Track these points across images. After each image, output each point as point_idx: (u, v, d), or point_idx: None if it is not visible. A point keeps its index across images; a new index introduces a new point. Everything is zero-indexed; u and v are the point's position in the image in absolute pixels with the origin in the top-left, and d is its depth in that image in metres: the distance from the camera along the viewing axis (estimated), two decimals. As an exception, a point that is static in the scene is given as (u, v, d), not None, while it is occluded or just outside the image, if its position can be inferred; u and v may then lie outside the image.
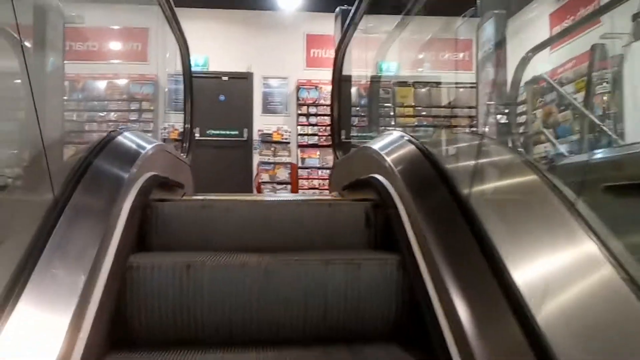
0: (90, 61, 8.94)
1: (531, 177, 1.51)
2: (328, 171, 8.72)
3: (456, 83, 8.84)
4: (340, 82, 3.66)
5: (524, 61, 4.44)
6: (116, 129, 2.06)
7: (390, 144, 2.15)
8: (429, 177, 1.77)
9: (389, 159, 2.01)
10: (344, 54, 3.60)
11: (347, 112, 4.62)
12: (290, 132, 8.73)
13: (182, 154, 3.48)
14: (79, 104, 8.83)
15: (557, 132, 7.16)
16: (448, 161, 1.90)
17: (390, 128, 9.05)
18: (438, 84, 9.27)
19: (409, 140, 2.06)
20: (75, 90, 8.82)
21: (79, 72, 8.81)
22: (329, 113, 9.06)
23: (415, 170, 1.90)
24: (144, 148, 2.06)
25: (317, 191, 8.66)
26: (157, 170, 2.11)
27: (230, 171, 8.91)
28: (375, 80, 8.21)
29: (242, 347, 1.43)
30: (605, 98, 6.31)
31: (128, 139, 2.04)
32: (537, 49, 4.63)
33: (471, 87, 9.35)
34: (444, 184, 1.67)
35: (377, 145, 2.21)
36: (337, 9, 4.86)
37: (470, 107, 9.18)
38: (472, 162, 2.07)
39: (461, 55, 9.53)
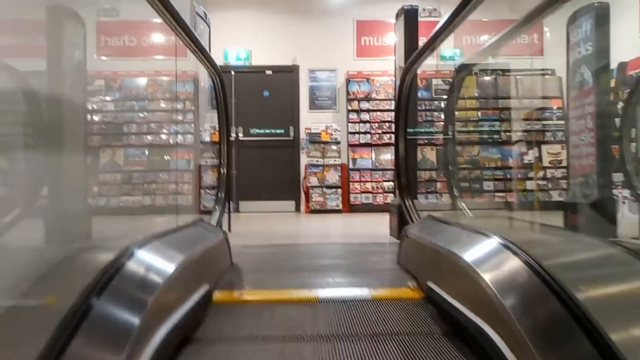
0: (126, 57, 8.43)
1: None
2: (382, 173, 7.96)
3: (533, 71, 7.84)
4: (407, 112, 2.90)
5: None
6: (128, 246, 1.48)
7: (488, 257, 1.47)
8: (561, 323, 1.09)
9: (490, 284, 1.32)
10: (411, 81, 2.82)
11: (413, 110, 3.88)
12: (339, 130, 7.99)
13: (212, 223, 2.76)
14: (116, 103, 8.35)
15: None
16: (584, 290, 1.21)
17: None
18: (505, 71, 8.28)
19: (515, 253, 1.37)
20: (111, 89, 8.34)
21: (116, 70, 8.32)
22: (383, 108, 8.29)
23: (536, 312, 1.22)
24: (163, 274, 1.45)
25: (371, 196, 7.92)
26: (179, 300, 1.49)
27: (276, 174, 8.29)
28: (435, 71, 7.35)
29: None
30: None
31: (142, 264, 1.43)
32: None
33: (542, 74, 8.32)
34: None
35: (470, 256, 1.52)
36: (400, 9, 4.02)
37: (543, 98, 8.18)
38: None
39: (529, 38, 8.47)
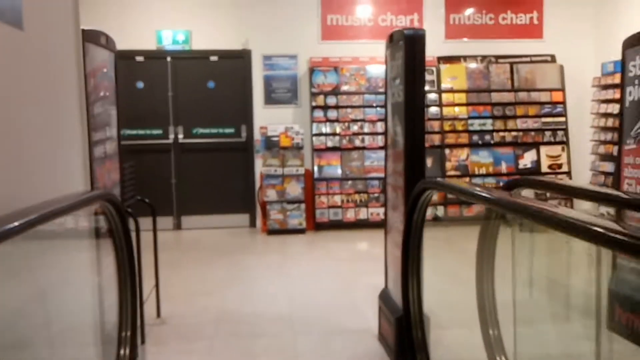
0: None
1: None
2: (352, 183, 6.61)
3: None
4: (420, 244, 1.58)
5: None
6: None
7: None
8: None
9: None
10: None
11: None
12: (302, 132, 6.54)
13: None
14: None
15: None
16: None
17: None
18: (498, 58, 6.94)
19: None
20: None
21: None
22: (354, 104, 6.83)
23: None
24: None
25: (341, 210, 6.56)
26: None
27: (225, 183, 6.83)
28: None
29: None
30: None
31: None
32: None
33: (543, 62, 7.03)
34: None
35: None
36: (397, 32, 2.44)
37: (540, 90, 6.91)
38: None
39: (525, 17, 7.13)
